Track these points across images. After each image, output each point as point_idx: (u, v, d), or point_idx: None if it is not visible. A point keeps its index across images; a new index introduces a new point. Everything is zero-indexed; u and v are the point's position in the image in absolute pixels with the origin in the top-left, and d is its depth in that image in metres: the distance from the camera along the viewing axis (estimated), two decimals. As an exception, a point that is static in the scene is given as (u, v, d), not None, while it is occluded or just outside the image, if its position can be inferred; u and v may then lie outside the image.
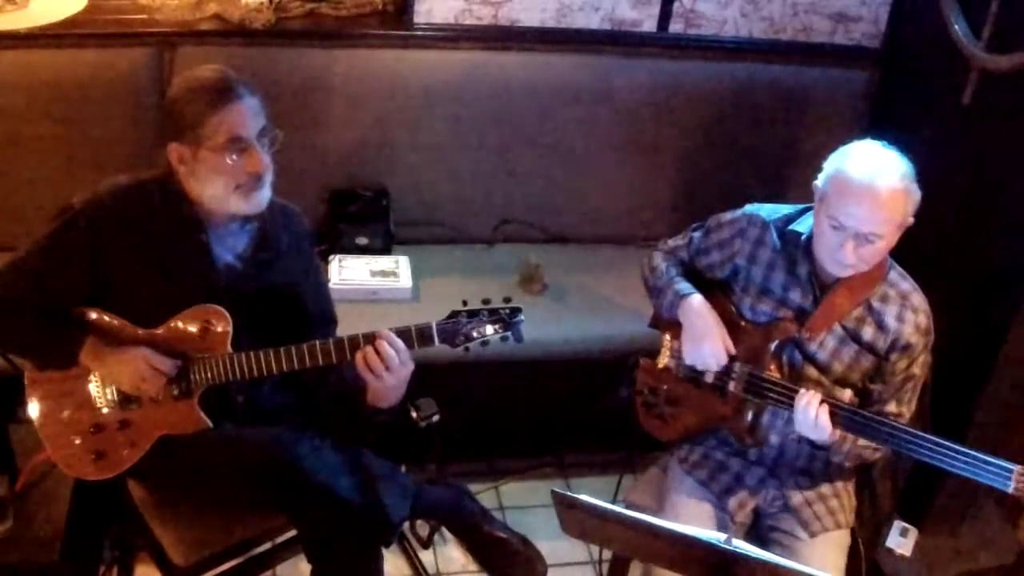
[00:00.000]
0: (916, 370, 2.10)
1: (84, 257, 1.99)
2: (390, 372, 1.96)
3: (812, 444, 2.11)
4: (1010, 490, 1.84)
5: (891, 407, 2.10)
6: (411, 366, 2.01)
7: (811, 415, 1.99)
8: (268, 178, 2.00)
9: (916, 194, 1.96)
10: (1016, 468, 1.83)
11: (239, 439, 2.08)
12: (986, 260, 2.70)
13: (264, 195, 2.01)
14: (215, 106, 1.91)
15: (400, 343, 1.96)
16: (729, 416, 2.18)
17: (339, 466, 2.06)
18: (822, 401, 1.99)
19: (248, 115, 1.94)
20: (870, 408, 2.10)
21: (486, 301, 1.99)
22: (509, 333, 1.98)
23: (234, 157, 1.93)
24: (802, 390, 2.02)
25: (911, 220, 1.99)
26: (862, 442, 2.05)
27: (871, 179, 1.92)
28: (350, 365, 1.99)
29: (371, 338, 1.97)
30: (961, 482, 1.92)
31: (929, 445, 1.92)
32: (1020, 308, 2.57)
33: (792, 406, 2.02)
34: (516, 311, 1.98)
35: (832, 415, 1.99)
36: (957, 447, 1.89)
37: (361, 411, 2.08)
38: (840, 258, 1.97)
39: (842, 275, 2.04)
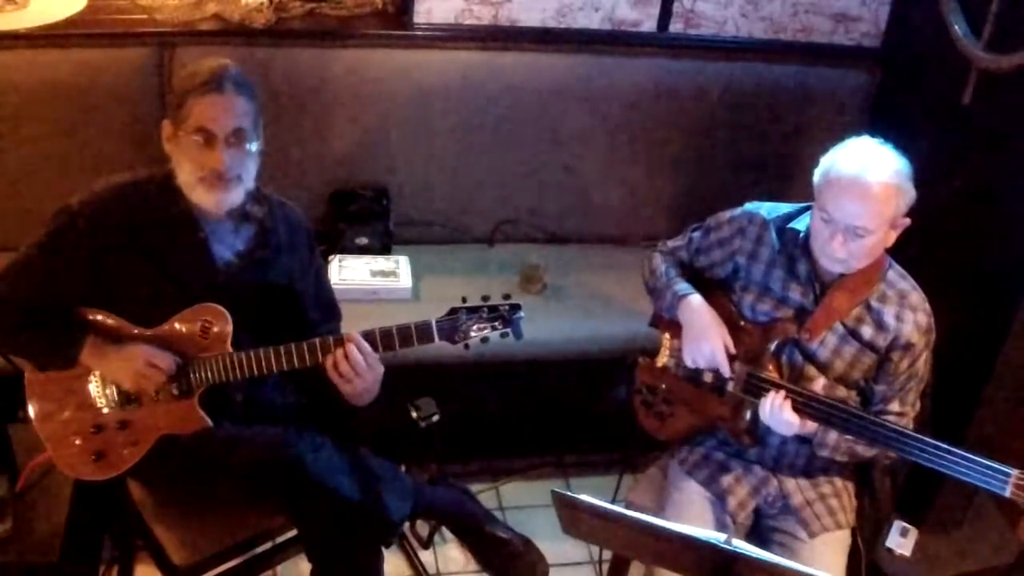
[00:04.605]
0: (919, 369, 2.10)
1: (83, 257, 1.99)
2: (359, 376, 1.99)
3: (801, 439, 2.12)
4: (1007, 494, 1.83)
5: (894, 406, 2.10)
6: (380, 370, 2.03)
7: (773, 415, 2.01)
8: (236, 183, 1.99)
9: (909, 192, 1.96)
10: (1014, 472, 1.82)
11: (239, 439, 2.08)
12: (986, 260, 2.70)
13: (229, 198, 2.00)
14: (197, 92, 1.92)
15: (367, 347, 1.98)
16: (727, 416, 2.18)
17: (339, 466, 2.06)
18: (785, 397, 2.01)
19: (223, 110, 1.93)
20: (872, 408, 2.10)
21: (485, 298, 2.00)
22: (509, 330, 1.99)
23: (200, 147, 1.94)
24: (768, 394, 2.04)
25: (906, 220, 1.99)
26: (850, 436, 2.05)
27: (860, 173, 1.92)
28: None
29: (342, 340, 1.99)
30: (961, 482, 1.91)
31: (919, 445, 1.92)
32: (1020, 308, 2.57)
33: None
34: (516, 307, 1.99)
35: (797, 408, 2.01)
36: (951, 448, 1.88)
37: (343, 406, 2.09)
38: (830, 252, 1.98)
39: (835, 270, 2.04)
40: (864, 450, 2.10)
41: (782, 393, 2.03)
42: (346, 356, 1.98)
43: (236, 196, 2.01)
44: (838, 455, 2.12)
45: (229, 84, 1.93)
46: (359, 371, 1.98)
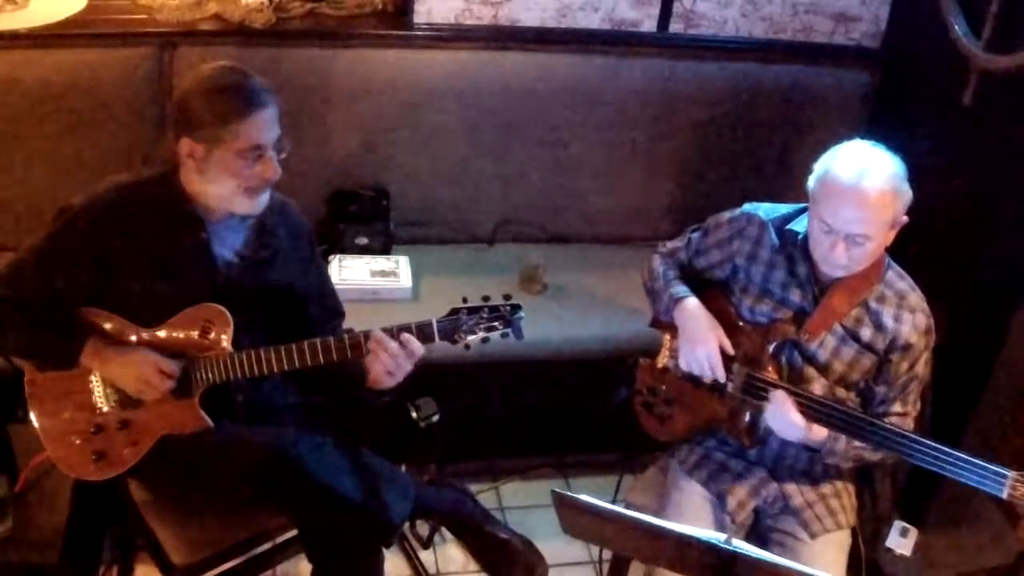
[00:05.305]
0: (919, 370, 2.10)
1: (85, 257, 1.99)
2: (400, 369, 2.00)
3: (808, 447, 2.11)
4: (1004, 496, 1.83)
5: (896, 408, 2.10)
6: (421, 352, 2.03)
7: (780, 415, 2.01)
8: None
9: (906, 193, 1.96)
10: (1011, 474, 1.82)
11: (239, 439, 2.08)
12: (986, 261, 2.70)
13: (265, 198, 2.02)
14: (242, 112, 1.91)
15: (393, 344, 1.99)
16: (727, 417, 2.18)
17: (340, 466, 2.06)
18: (791, 395, 2.01)
19: (271, 124, 1.96)
20: (874, 409, 2.10)
21: (486, 298, 2.00)
22: (509, 330, 2.00)
23: (250, 162, 1.94)
24: (773, 395, 2.04)
25: (905, 219, 1.99)
26: (857, 442, 2.05)
27: (858, 181, 1.92)
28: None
29: (368, 336, 1.99)
30: (959, 483, 1.91)
31: (918, 446, 1.92)
32: (1019, 309, 2.57)
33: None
34: (516, 308, 2.00)
35: (803, 410, 2.00)
36: (949, 450, 1.88)
37: (363, 395, 2.09)
38: (833, 260, 1.98)
39: (837, 275, 2.04)
40: (871, 455, 2.10)
41: (787, 396, 2.02)
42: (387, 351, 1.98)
43: (269, 193, 2.03)
44: (845, 462, 2.12)
45: (266, 96, 1.94)
46: (399, 363, 1.99)
